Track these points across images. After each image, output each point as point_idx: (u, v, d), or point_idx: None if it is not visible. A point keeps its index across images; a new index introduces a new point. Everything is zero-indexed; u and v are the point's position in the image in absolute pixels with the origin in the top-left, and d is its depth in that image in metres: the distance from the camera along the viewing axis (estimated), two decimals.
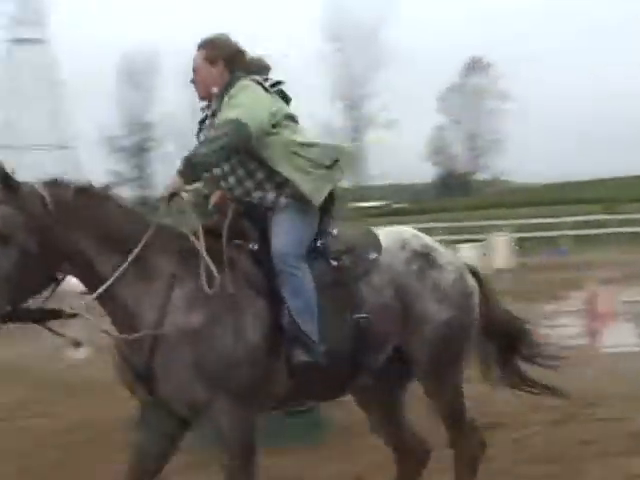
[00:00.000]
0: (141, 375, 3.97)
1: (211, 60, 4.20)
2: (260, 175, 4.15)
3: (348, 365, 4.19)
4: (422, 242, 4.47)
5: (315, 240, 4.21)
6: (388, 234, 4.46)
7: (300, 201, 4.12)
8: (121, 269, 3.91)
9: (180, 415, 4.08)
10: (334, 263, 4.20)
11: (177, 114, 49.21)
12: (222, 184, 4.21)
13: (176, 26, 74.31)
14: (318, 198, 4.11)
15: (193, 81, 4.26)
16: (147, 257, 3.98)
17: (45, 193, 3.88)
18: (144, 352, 3.94)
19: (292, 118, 4.24)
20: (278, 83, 4.33)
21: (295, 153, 4.10)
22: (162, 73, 52.69)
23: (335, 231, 4.32)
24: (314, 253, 4.18)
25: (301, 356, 4.03)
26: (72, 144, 50.78)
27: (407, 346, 4.36)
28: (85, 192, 3.99)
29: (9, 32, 49.57)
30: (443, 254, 4.50)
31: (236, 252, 4.07)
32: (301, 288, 4.03)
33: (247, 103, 4.04)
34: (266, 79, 4.24)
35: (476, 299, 4.53)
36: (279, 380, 4.09)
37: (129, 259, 3.92)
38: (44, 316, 3.98)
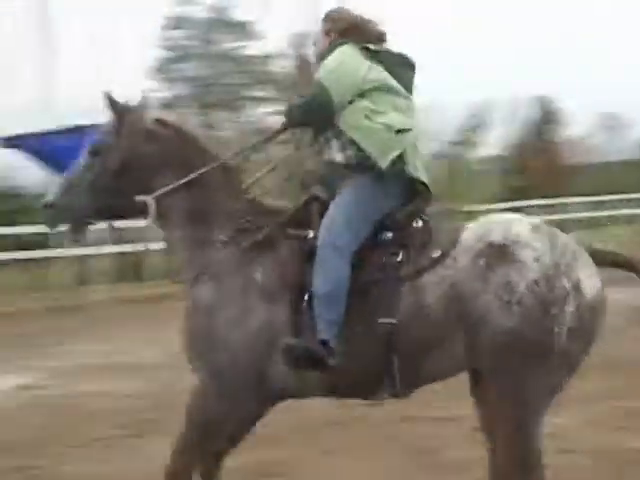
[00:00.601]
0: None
1: (326, 33, 4.12)
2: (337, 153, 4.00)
3: (374, 369, 3.76)
4: (506, 233, 3.72)
5: (379, 232, 3.86)
6: (479, 225, 3.84)
7: (364, 176, 3.87)
8: (171, 186, 3.92)
9: None
10: (383, 260, 3.79)
11: None
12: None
13: None
14: (384, 162, 3.80)
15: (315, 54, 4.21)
16: (211, 201, 3.96)
17: (149, 125, 4.03)
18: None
19: (392, 89, 3.98)
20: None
21: (367, 117, 3.87)
22: None
23: (419, 223, 3.88)
24: (373, 248, 3.83)
25: (307, 342, 3.68)
26: None
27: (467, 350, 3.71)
28: (187, 137, 4.06)
29: None
30: (534, 248, 3.67)
31: (286, 239, 3.89)
32: (332, 275, 3.71)
33: (332, 66, 3.93)
34: (378, 49, 4.05)
35: (569, 309, 3.59)
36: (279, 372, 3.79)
37: (182, 180, 3.92)
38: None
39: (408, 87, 4.07)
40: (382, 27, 4.15)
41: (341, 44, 4.01)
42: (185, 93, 24.59)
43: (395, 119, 3.89)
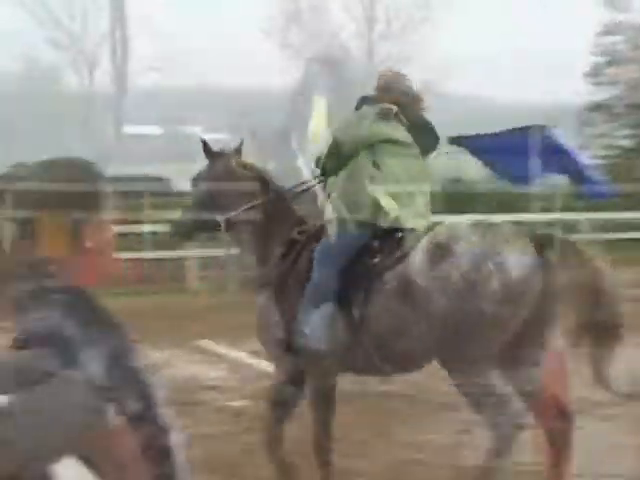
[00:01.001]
0: None
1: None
2: None
3: (359, 351, 4.52)
4: (450, 234, 4.33)
5: (371, 240, 4.60)
6: (436, 229, 4.47)
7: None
8: (238, 210, 4.85)
9: None
10: (365, 262, 4.55)
11: None
12: None
13: None
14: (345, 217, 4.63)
15: None
16: (270, 224, 4.87)
17: (232, 168, 4.97)
18: None
19: (398, 143, 4.73)
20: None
21: (362, 173, 4.66)
22: None
23: (398, 234, 4.58)
24: (361, 253, 4.59)
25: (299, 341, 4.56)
26: None
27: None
28: (259, 175, 5.01)
29: None
30: (468, 241, 4.24)
31: (305, 251, 4.74)
32: (314, 280, 4.57)
33: (344, 125, 4.82)
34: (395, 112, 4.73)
35: (494, 285, 4.11)
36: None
37: (243, 208, 4.85)
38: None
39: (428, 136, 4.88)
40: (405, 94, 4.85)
41: (363, 104, 4.84)
42: (614, 96, 25.80)
43: (386, 176, 4.65)
